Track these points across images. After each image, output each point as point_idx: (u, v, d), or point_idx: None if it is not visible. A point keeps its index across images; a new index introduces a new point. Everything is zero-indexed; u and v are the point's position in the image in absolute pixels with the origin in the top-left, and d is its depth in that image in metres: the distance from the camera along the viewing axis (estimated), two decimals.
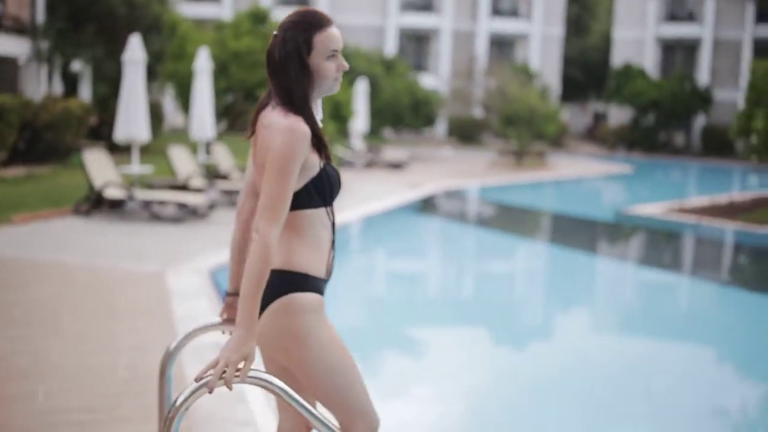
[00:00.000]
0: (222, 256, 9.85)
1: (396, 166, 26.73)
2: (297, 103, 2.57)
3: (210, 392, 2.44)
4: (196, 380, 2.47)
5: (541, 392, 6.67)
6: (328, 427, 2.56)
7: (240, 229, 2.89)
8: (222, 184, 14.90)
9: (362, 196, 17.83)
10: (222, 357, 2.45)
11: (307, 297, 2.61)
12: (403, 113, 34.79)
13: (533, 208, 21.44)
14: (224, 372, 2.43)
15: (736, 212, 18.34)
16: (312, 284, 2.63)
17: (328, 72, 2.60)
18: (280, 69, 2.59)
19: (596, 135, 50.12)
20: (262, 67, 17.45)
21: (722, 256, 15.43)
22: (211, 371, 2.45)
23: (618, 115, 48.18)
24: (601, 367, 7.53)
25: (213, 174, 16.14)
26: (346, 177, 22.93)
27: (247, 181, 2.88)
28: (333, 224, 2.72)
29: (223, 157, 16.83)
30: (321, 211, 2.66)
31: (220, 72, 17.66)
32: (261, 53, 17.57)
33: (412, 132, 42.35)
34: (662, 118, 45.27)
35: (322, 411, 2.67)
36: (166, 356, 3.14)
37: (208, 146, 16.75)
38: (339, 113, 23.06)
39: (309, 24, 2.58)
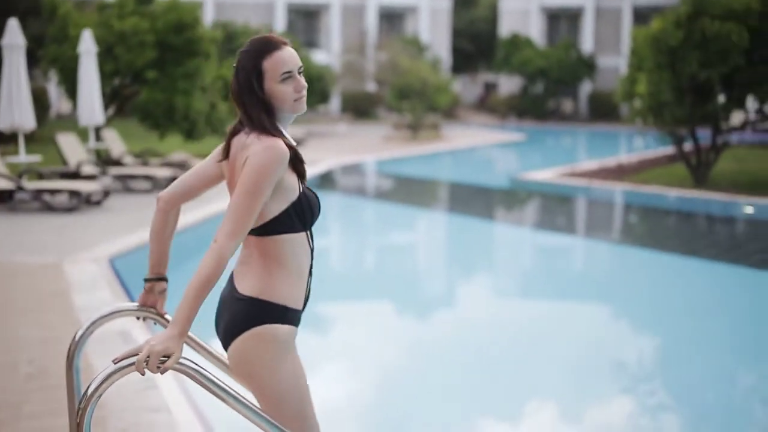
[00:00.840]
0: (121, 243, 9.63)
1: None
2: (257, 128, 2.56)
3: (142, 374, 2.41)
4: (115, 362, 2.43)
5: (448, 359, 6.81)
6: (264, 417, 2.56)
7: (159, 217, 2.85)
8: (115, 170, 14.52)
9: None
10: (147, 345, 2.41)
11: (281, 329, 2.60)
12: None
13: (430, 179, 21.71)
14: (147, 361, 2.39)
15: (625, 174, 19.04)
16: (289, 317, 2.62)
17: (285, 95, 2.57)
18: (238, 99, 2.59)
19: (487, 105, 50.92)
20: (150, 48, 17.03)
21: (613, 216, 16.01)
22: (132, 358, 2.42)
23: (508, 84, 49.09)
24: (505, 330, 7.74)
25: (105, 160, 15.70)
26: None
27: (186, 179, 2.84)
28: (312, 250, 2.69)
29: (114, 142, 16.40)
30: (301, 236, 2.62)
31: (106, 54, 17.08)
32: (147, 34, 17.09)
33: (307, 109, 42.10)
34: (550, 86, 46.39)
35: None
36: (72, 346, 3.04)
37: (97, 132, 16.26)
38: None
39: (257, 51, 2.56)
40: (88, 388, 2.50)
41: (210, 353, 3.00)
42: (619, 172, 19.32)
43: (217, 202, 11.45)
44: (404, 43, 39.64)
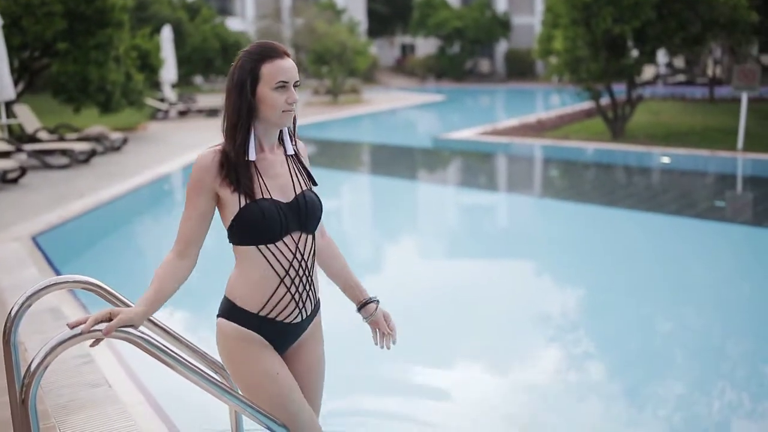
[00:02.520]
0: (43, 220, 9.40)
1: (212, 112, 26.21)
2: (228, 131, 2.56)
3: (102, 334, 2.41)
4: (70, 326, 2.40)
5: None
6: (213, 383, 2.57)
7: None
8: (30, 146, 14.10)
9: (182, 146, 17.44)
10: (106, 311, 2.43)
11: (229, 325, 2.64)
12: (213, 58, 34.00)
13: (353, 141, 21.69)
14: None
15: (544, 130, 19.37)
16: (236, 315, 2.63)
17: (275, 102, 2.54)
18: (227, 95, 2.58)
19: (406, 67, 50.97)
20: (60, 18, 16.47)
21: (535, 172, 16.30)
22: (77, 329, 2.39)
23: (425, 46, 49.21)
24: (433, 288, 7.84)
25: (18, 136, 15.23)
26: (161, 129, 22.27)
27: None
28: (286, 261, 2.60)
29: (27, 117, 15.89)
30: (252, 251, 2.58)
31: (12, 27, 16.46)
32: (55, 3, 16.53)
33: (224, 78, 41.50)
34: (467, 46, 46.70)
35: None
36: (9, 321, 2.99)
37: (8, 107, 15.73)
38: (147, 63, 22.19)
39: (259, 54, 2.54)
40: (32, 361, 2.46)
41: (176, 338, 2.98)
42: (539, 129, 19.65)
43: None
44: (320, 8, 39.28)
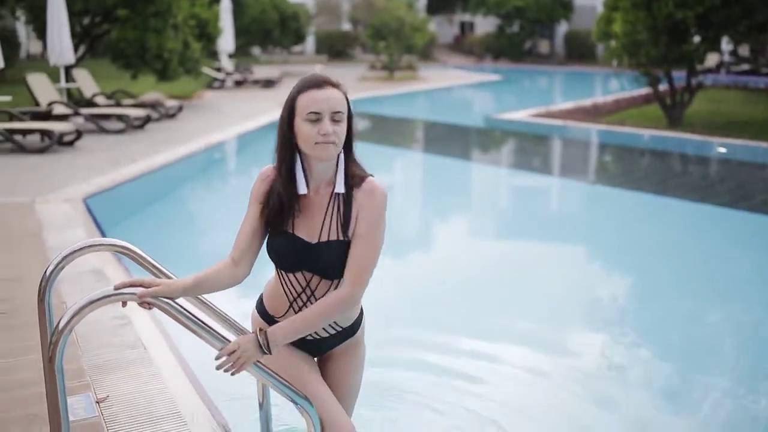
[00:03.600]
0: (94, 183, 9.56)
1: (268, 83, 26.34)
2: (277, 163, 2.58)
3: (140, 303, 2.51)
4: (116, 288, 2.50)
5: (424, 299, 6.87)
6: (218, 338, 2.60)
7: None
8: (87, 110, 14.34)
9: (236, 115, 17.57)
10: (141, 278, 2.55)
11: (254, 314, 2.83)
12: (271, 30, 34.12)
13: (407, 118, 21.63)
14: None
15: (600, 114, 19.06)
16: (260, 307, 2.81)
17: (306, 136, 2.47)
18: (278, 127, 2.60)
19: (463, 46, 50.54)
20: None
21: (589, 156, 16.08)
22: (103, 291, 2.46)
23: (484, 24, 48.68)
24: (482, 270, 7.80)
25: (76, 100, 15.49)
26: (217, 98, 22.43)
27: None
28: (295, 292, 2.65)
29: (85, 82, 16.15)
30: (276, 268, 2.71)
31: None
32: None
33: (282, 50, 41.65)
34: (526, 25, 46.07)
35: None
36: (44, 281, 3.04)
37: (68, 72, 16.00)
38: (205, 32, 22.36)
39: (299, 86, 2.52)
40: (60, 320, 2.51)
41: (207, 305, 3.01)
42: (594, 113, 19.34)
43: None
44: None
